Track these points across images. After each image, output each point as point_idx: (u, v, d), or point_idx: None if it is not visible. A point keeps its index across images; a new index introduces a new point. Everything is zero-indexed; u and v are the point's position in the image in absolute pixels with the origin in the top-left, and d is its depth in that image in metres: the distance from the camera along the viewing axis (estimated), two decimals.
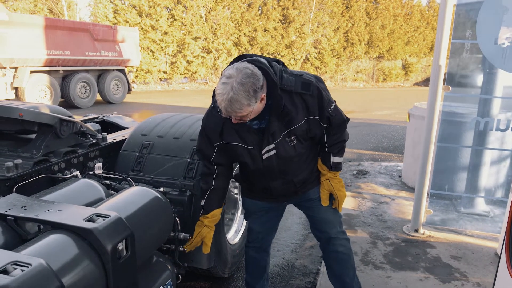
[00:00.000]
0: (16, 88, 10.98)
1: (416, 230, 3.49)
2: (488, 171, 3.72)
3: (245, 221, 2.91)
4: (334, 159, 2.04)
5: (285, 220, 3.78)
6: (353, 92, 20.83)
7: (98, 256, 1.34)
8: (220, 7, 22.90)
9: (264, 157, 1.87)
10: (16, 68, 10.90)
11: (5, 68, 10.62)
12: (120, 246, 1.41)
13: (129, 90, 15.08)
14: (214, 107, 1.86)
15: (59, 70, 12.17)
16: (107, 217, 1.42)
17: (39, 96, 11.46)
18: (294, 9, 24.87)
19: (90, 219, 1.41)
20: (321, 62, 26.97)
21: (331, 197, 2.10)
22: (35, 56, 11.19)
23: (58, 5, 21.88)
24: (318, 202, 2.10)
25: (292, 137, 1.85)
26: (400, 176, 5.29)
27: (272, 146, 1.85)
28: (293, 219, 3.86)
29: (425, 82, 29.31)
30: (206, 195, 2.03)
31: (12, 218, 1.44)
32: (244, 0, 23.56)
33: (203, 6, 22.46)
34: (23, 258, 1.08)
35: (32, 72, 11.17)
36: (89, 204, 1.71)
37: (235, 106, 1.63)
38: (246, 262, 2.37)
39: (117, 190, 2.08)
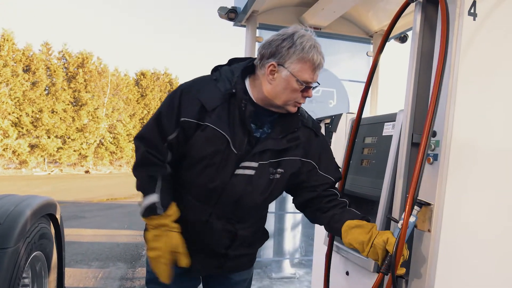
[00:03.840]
0: None
1: None
2: (289, 234, 4.14)
3: None
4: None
5: None
6: None
7: None
8: None
9: (237, 172, 1.35)
10: None
11: None
12: None
13: None
14: (216, 80, 1.37)
15: None
16: None
17: None
18: (87, 92, 23.99)
19: None
20: (117, 147, 26.21)
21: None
22: None
23: None
24: None
25: (279, 170, 1.40)
26: None
27: (255, 164, 1.36)
28: None
29: None
30: (157, 183, 1.34)
31: None
32: (27, 78, 21.32)
33: None
34: None
35: None
36: None
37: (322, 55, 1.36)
38: None
39: None
